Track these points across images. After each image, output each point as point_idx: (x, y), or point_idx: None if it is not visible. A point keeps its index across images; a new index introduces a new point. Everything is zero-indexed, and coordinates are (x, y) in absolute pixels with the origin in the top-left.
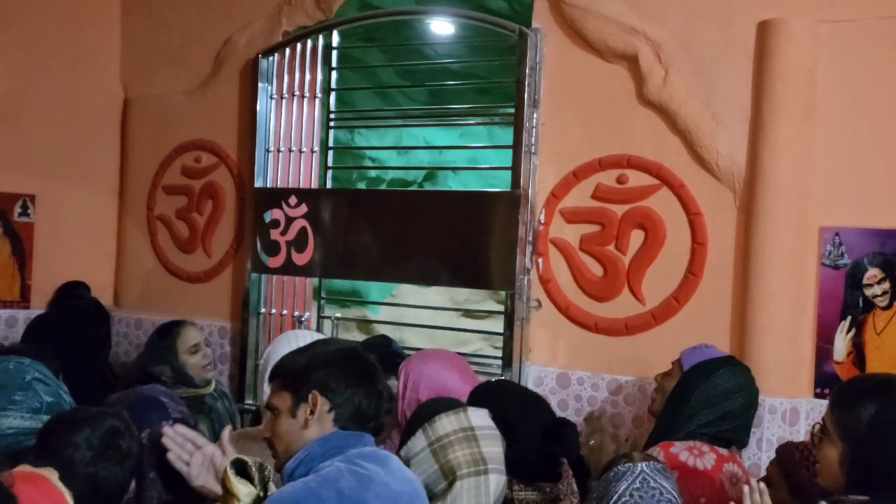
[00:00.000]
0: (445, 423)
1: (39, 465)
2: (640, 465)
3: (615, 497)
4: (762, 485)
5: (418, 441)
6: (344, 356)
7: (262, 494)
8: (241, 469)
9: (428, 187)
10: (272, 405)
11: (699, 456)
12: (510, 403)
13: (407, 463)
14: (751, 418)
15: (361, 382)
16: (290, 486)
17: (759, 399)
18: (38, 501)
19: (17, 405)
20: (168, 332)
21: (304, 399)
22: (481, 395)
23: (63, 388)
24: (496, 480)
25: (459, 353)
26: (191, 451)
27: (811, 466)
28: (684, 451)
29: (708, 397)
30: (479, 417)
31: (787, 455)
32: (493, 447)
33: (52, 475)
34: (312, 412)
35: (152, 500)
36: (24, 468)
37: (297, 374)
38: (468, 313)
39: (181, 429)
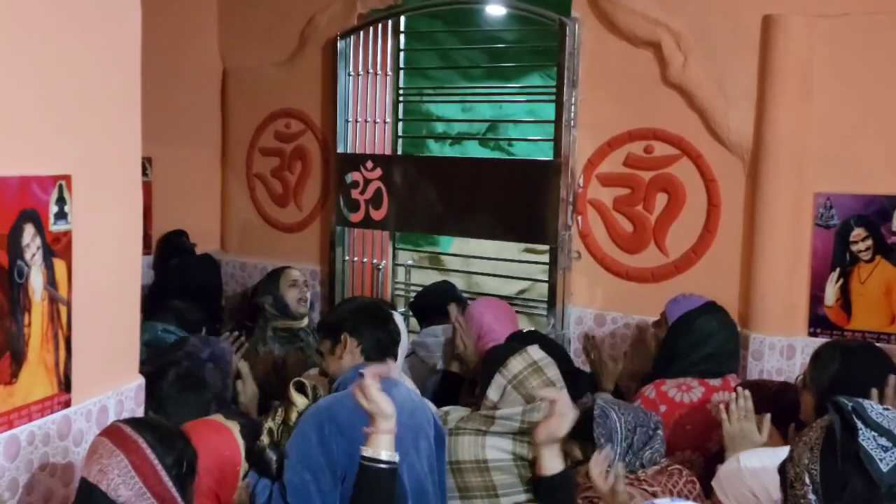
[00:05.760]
0: (516, 363)
1: (230, 417)
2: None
3: (620, 426)
4: (746, 391)
5: (499, 381)
6: (364, 307)
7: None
8: (301, 388)
9: (490, 136)
10: (319, 350)
11: (687, 391)
12: None
13: (495, 403)
14: (734, 350)
15: (378, 324)
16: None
17: (738, 331)
18: (219, 447)
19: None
20: (276, 272)
21: (339, 341)
22: (515, 340)
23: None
24: (566, 395)
25: (523, 296)
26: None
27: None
28: (673, 388)
29: (692, 343)
30: (536, 351)
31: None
32: (555, 371)
33: (234, 427)
34: (345, 348)
35: None
36: (217, 417)
37: (331, 326)
38: (532, 254)
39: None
